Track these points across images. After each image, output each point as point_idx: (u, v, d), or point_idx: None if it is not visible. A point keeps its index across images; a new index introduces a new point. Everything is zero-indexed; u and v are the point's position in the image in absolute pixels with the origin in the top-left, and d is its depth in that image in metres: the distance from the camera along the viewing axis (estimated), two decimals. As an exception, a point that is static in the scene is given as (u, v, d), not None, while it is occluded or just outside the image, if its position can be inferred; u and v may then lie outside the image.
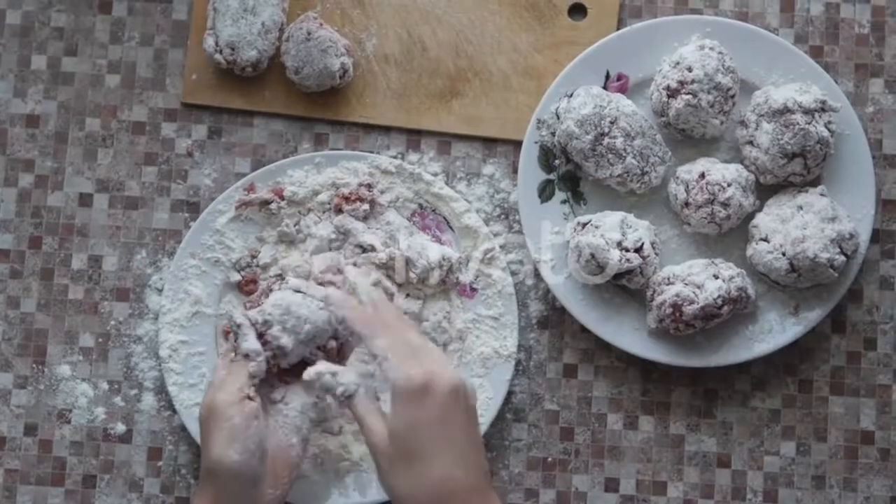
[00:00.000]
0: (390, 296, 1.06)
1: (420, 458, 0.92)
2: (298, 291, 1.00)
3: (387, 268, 1.08)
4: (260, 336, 0.98)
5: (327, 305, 0.99)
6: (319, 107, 1.13)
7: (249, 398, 0.96)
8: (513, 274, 1.10)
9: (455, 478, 0.92)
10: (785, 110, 1.05)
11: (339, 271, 1.05)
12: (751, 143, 1.07)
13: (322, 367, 0.97)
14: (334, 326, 1.00)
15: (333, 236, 1.10)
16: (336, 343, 1.02)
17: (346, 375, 0.97)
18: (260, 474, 0.95)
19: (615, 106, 1.06)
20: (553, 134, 1.09)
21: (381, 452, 0.94)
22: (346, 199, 1.10)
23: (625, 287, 1.09)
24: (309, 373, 0.97)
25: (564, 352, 1.11)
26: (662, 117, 1.08)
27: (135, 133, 1.13)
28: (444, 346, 1.10)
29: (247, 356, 0.97)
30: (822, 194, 1.07)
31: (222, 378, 0.97)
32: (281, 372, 1.00)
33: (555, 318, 1.11)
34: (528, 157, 1.10)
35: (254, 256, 1.10)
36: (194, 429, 1.07)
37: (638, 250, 1.06)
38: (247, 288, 1.10)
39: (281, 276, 1.04)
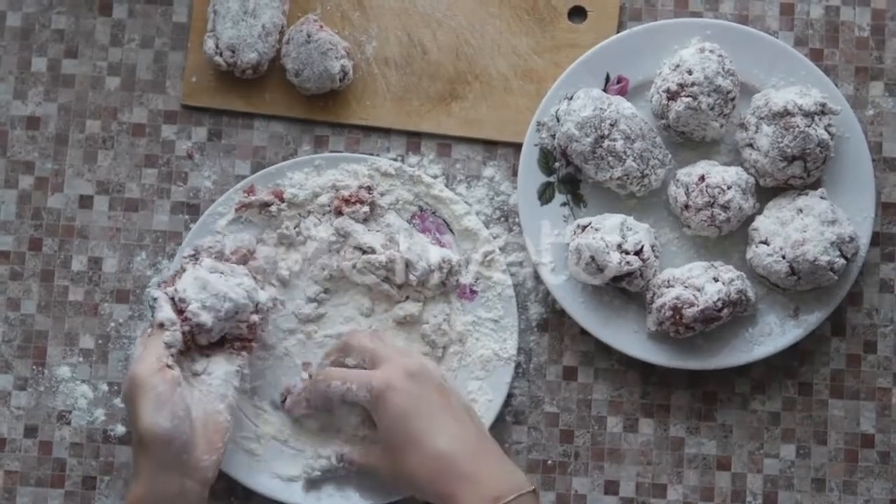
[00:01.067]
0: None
1: (408, 447, 0.99)
2: (215, 271, 1.02)
3: (387, 270, 1.09)
4: (179, 312, 1.00)
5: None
6: (319, 109, 1.13)
7: (169, 366, 0.98)
8: (513, 276, 1.10)
9: (442, 456, 0.98)
10: (785, 113, 1.05)
11: (251, 252, 1.07)
12: (751, 145, 1.07)
13: (336, 385, 1.04)
14: (255, 301, 1.03)
15: (333, 238, 1.10)
16: (258, 317, 1.03)
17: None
18: (191, 441, 0.97)
19: (615, 108, 1.06)
20: (553, 136, 1.09)
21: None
22: (346, 201, 1.10)
23: (625, 290, 1.09)
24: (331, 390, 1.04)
25: (564, 354, 1.11)
26: (662, 120, 1.08)
27: (135, 135, 1.13)
28: (443, 349, 1.10)
29: (161, 325, 0.99)
30: (822, 197, 1.07)
31: (140, 352, 0.99)
32: (201, 346, 1.03)
33: (555, 321, 1.11)
34: (528, 159, 1.10)
35: (254, 258, 1.10)
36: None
37: (638, 253, 1.06)
38: None
39: (195, 256, 1.05)
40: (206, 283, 1.01)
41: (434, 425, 0.99)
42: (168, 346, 0.99)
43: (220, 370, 1.02)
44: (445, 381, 1.03)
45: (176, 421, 0.96)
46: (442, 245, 1.11)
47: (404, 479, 1.01)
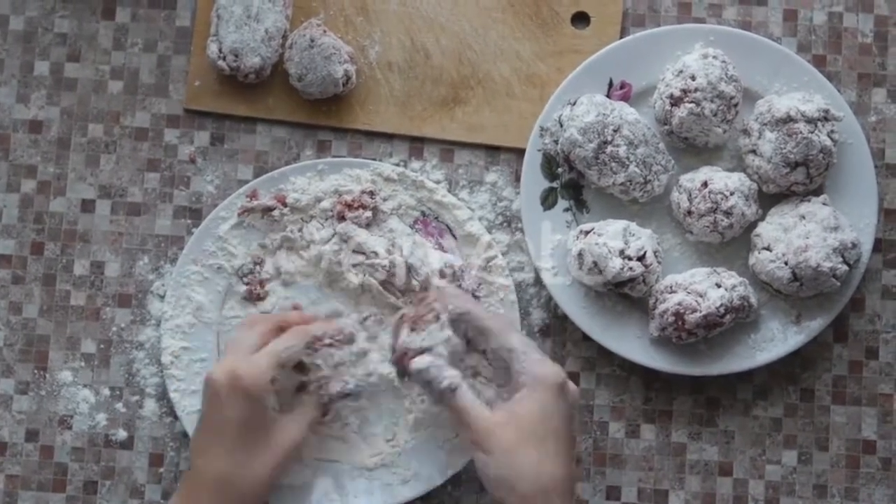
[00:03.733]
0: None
1: (543, 446, 0.96)
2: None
3: (389, 275, 1.08)
4: None
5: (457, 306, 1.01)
6: (322, 114, 1.13)
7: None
8: (515, 282, 1.10)
9: (565, 471, 0.96)
10: (788, 119, 1.05)
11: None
12: (753, 151, 1.08)
13: (428, 358, 0.99)
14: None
15: (335, 243, 1.10)
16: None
17: (451, 370, 0.99)
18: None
19: (618, 114, 1.06)
20: (556, 142, 1.09)
21: (491, 440, 0.96)
22: (349, 206, 1.10)
23: (627, 295, 1.08)
24: (419, 362, 0.99)
25: (566, 360, 1.11)
26: (665, 126, 1.08)
27: (137, 139, 1.13)
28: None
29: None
30: (824, 203, 1.07)
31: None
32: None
33: (557, 326, 1.11)
34: (531, 164, 1.10)
35: (256, 263, 1.10)
36: (196, 435, 1.07)
37: (640, 258, 1.06)
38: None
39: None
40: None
41: (564, 445, 0.97)
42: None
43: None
44: None
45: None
46: (444, 250, 1.11)
47: (491, 468, 0.96)
